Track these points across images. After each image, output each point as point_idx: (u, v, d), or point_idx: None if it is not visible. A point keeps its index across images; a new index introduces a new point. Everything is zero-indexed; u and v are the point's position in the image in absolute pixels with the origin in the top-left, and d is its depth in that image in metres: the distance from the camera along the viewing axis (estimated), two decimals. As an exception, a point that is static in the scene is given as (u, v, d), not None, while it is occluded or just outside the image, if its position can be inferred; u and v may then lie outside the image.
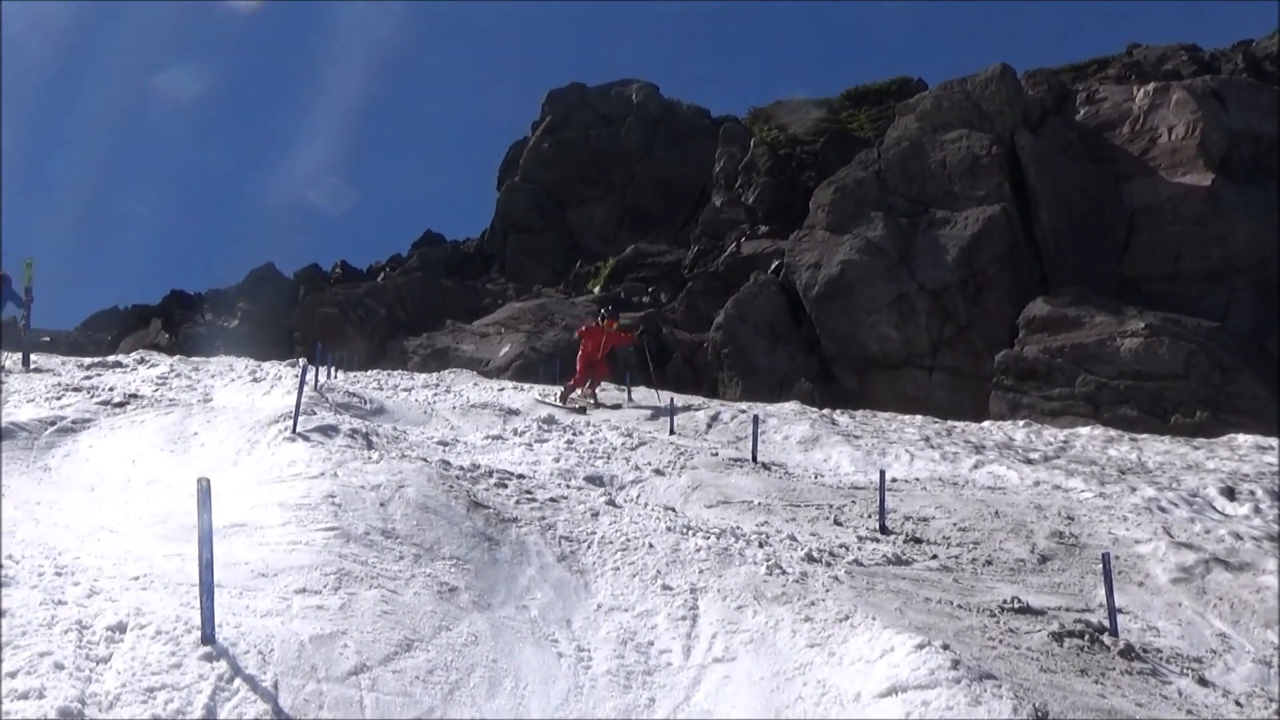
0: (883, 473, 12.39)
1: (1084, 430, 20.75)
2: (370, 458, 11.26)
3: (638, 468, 14.18)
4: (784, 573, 8.96)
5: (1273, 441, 19.66)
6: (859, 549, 10.39)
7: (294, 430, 12.77)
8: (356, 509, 8.94)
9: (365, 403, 18.21)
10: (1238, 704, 7.07)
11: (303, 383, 14.37)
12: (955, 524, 11.73)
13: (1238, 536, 11.22)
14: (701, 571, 8.89)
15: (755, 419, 16.58)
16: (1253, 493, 13.80)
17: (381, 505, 9.12)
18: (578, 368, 23.87)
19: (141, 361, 24.09)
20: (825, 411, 22.72)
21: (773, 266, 42.86)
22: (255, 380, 21.64)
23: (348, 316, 51.82)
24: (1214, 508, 13.15)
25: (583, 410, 21.83)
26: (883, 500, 11.71)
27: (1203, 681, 7.47)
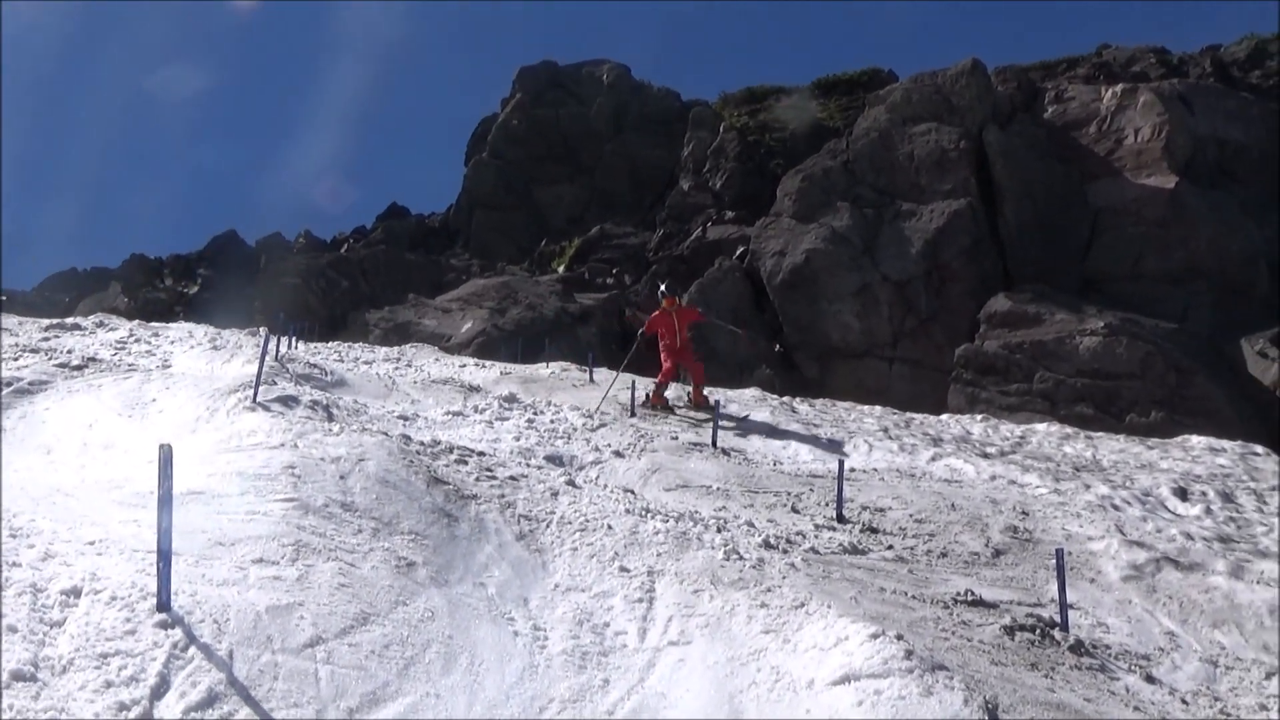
0: (841, 462, 12.45)
1: (1040, 426, 20.89)
2: (331, 430, 11.22)
3: (598, 449, 14.19)
4: (741, 558, 9.01)
5: (1226, 444, 19.85)
6: (816, 537, 10.44)
7: (254, 400, 12.69)
8: (316, 481, 8.90)
9: (326, 374, 18.13)
10: (1184, 702, 7.17)
11: (264, 352, 14.32)
12: (911, 515, 11.80)
13: (1189, 536, 11.35)
14: (659, 554, 8.92)
15: (716, 404, 16.63)
16: (1205, 494, 13.95)
17: (341, 478, 9.10)
18: (663, 364, 20.05)
19: (100, 325, 23.93)
20: (785, 399, 22.79)
21: (738, 252, 42.99)
22: (215, 348, 21.53)
23: (310, 287, 51.57)
24: (1166, 507, 13.30)
25: (671, 411, 19.27)
26: (840, 489, 11.76)
27: (1150, 679, 7.56)
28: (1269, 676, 7.74)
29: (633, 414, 18.29)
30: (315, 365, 18.95)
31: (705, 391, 20.40)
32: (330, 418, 12.80)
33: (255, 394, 12.84)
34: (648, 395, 19.52)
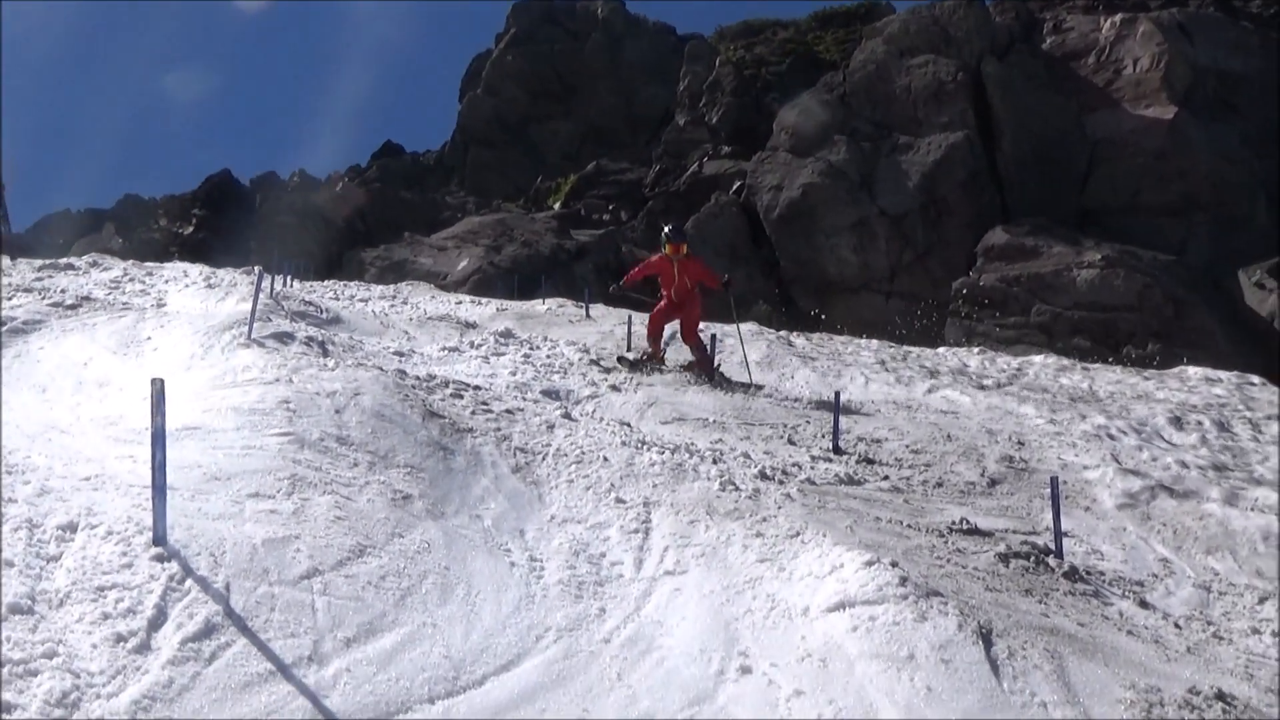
0: (838, 393, 12.45)
1: (1037, 358, 20.91)
2: (326, 365, 11.22)
3: (594, 383, 14.18)
4: (737, 489, 9.03)
5: (1222, 374, 19.88)
6: (812, 468, 10.45)
7: (249, 336, 12.68)
8: (311, 415, 8.90)
9: (321, 312, 18.11)
10: (1176, 626, 7.20)
11: (258, 289, 14.26)
12: (907, 446, 11.82)
13: (1184, 465, 11.38)
14: (655, 486, 8.94)
15: (712, 337, 16.61)
16: (1200, 423, 13.96)
17: (337, 412, 9.09)
18: (656, 314, 16.56)
19: (94, 265, 23.85)
20: (782, 333, 22.80)
21: (734, 187, 42.82)
22: (210, 287, 21.45)
23: (305, 226, 51.39)
24: (1162, 437, 13.31)
25: (659, 363, 16.22)
26: (837, 421, 11.78)
27: (1144, 604, 7.59)
28: (1262, 601, 7.77)
29: (629, 349, 18.25)
30: (310, 303, 18.92)
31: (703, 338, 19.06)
32: (325, 353, 12.78)
33: (250, 330, 12.82)
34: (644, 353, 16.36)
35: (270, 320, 14.48)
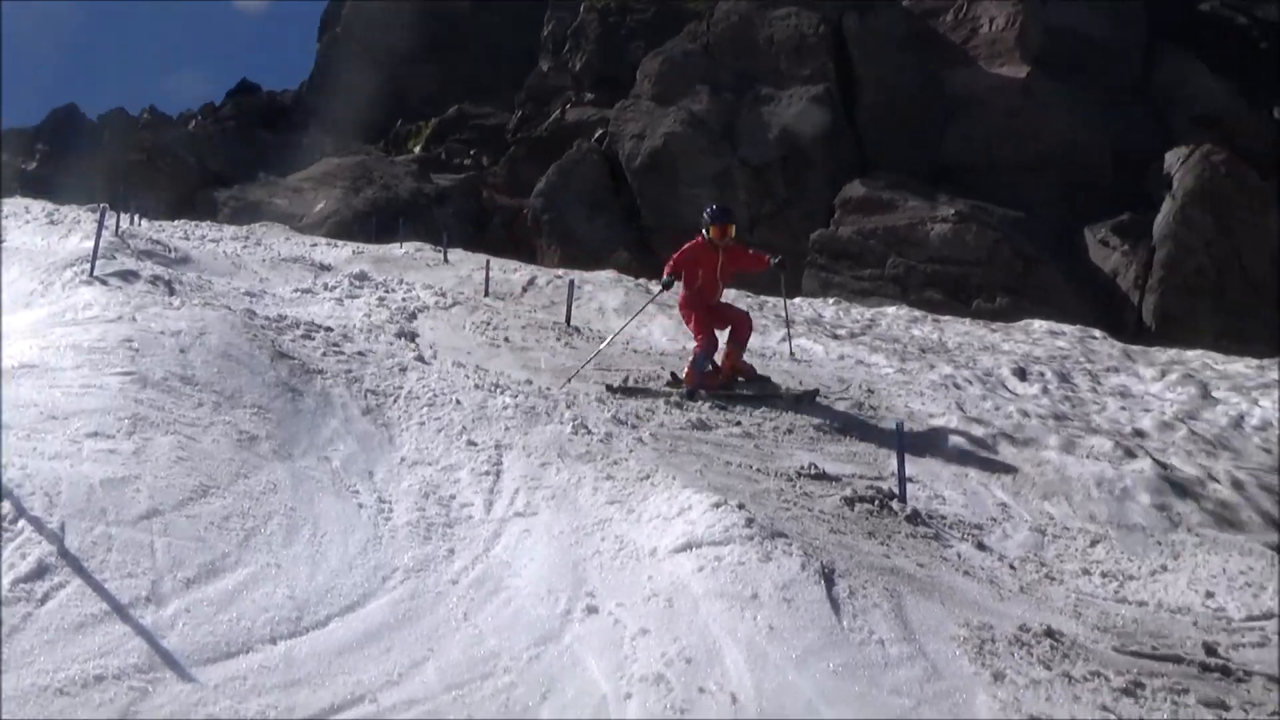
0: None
1: (890, 310, 21.33)
2: (171, 304, 10.95)
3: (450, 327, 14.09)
4: (590, 432, 9.06)
5: (1066, 328, 20.50)
6: (666, 414, 10.53)
7: (91, 273, 12.31)
8: (155, 354, 8.68)
9: (170, 251, 17.65)
10: (1011, 567, 7.43)
11: (101, 226, 13.86)
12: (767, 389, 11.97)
13: (1025, 414, 11.71)
14: (507, 429, 8.93)
15: (570, 284, 16.61)
16: (1043, 374, 14.38)
17: (181, 351, 8.88)
18: (693, 328, 12.46)
19: (-72, 199, 22.91)
20: (640, 281, 22.87)
21: (596, 135, 42.64)
22: (52, 223, 20.80)
23: (155, 164, 49.91)
24: (1006, 387, 13.68)
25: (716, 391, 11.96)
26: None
27: (981, 546, 7.81)
28: (1093, 544, 8.04)
29: (487, 293, 18.15)
30: (158, 242, 18.42)
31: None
32: (172, 292, 12.47)
33: (93, 268, 12.45)
34: (674, 375, 12.53)
35: (115, 258, 14.07)
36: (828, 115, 36.12)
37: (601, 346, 13.14)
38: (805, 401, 11.53)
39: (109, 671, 4.57)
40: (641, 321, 16.89)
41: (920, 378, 13.49)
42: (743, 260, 12.64)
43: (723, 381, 12.14)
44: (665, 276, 12.39)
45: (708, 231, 12.12)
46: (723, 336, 12.16)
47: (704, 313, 12.25)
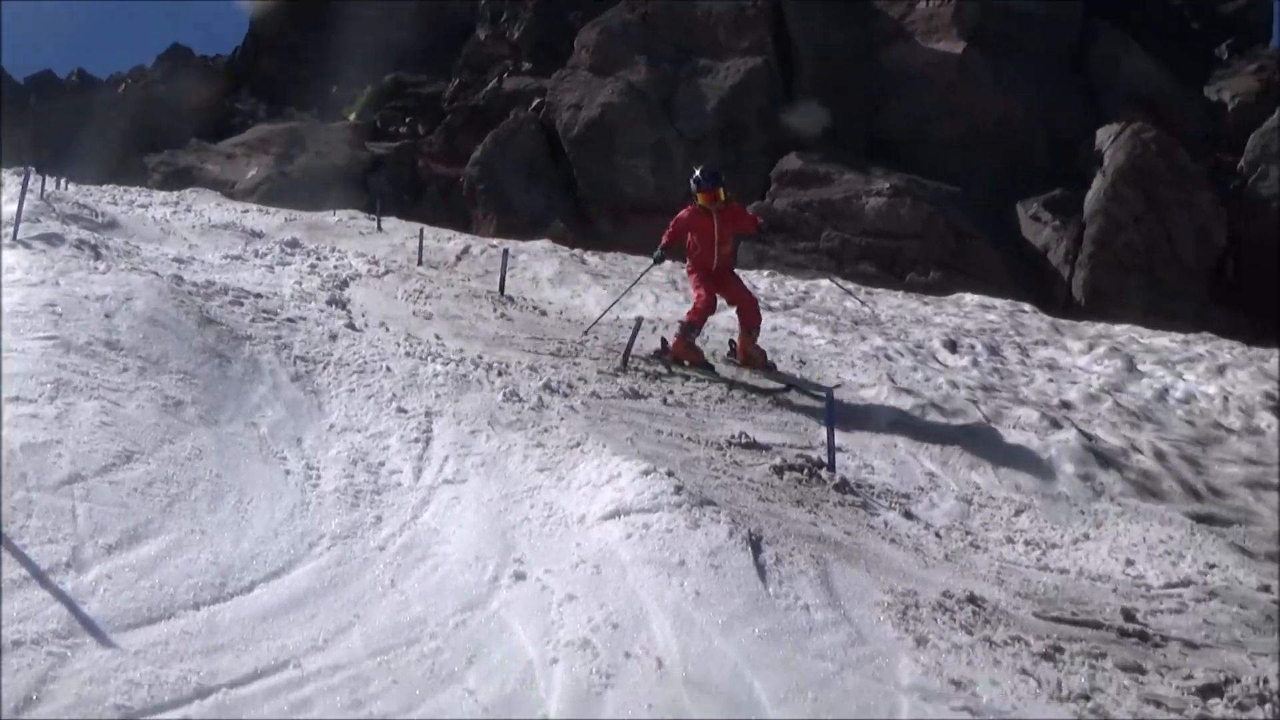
0: (639, 320, 12.53)
1: (824, 282, 21.39)
2: (97, 269, 10.78)
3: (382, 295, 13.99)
4: (521, 400, 9.04)
5: (997, 301, 20.71)
6: (598, 383, 10.53)
7: (15, 237, 12.09)
8: (79, 319, 8.54)
9: (96, 216, 17.37)
10: (937, 536, 7.52)
11: (25, 188, 13.59)
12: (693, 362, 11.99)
13: (954, 385, 11.82)
14: (438, 396, 8.89)
15: (504, 253, 16.54)
16: (973, 346, 14.53)
17: (106, 316, 8.74)
18: (694, 291, 12.25)
19: None
20: (576, 251, 22.83)
21: (533, 105, 42.43)
22: (-25, 186, 20.36)
23: (84, 128, 49.05)
24: (936, 359, 13.81)
25: (705, 367, 11.81)
26: (632, 341, 11.82)
27: (908, 515, 7.90)
28: (1018, 513, 8.15)
29: (420, 262, 18.03)
30: (85, 206, 18.13)
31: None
32: (98, 257, 12.24)
33: (15, 231, 12.23)
34: (664, 342, 12.16)
35: (39, 222, 13.83)
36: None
37: (599, 317, 13.01)
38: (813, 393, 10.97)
39: (27, 637, 4.50)
40: (575, 291, 16.87)
41: (852, 349, 13.59)
42: (741, 221, 12.27)
43: (737, 357, 12.25)
44: (657, 250, 12.20)
45: (697, 198, 11.91)
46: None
47: (706, 280, 12.00)
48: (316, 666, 4.76)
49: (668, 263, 13.39)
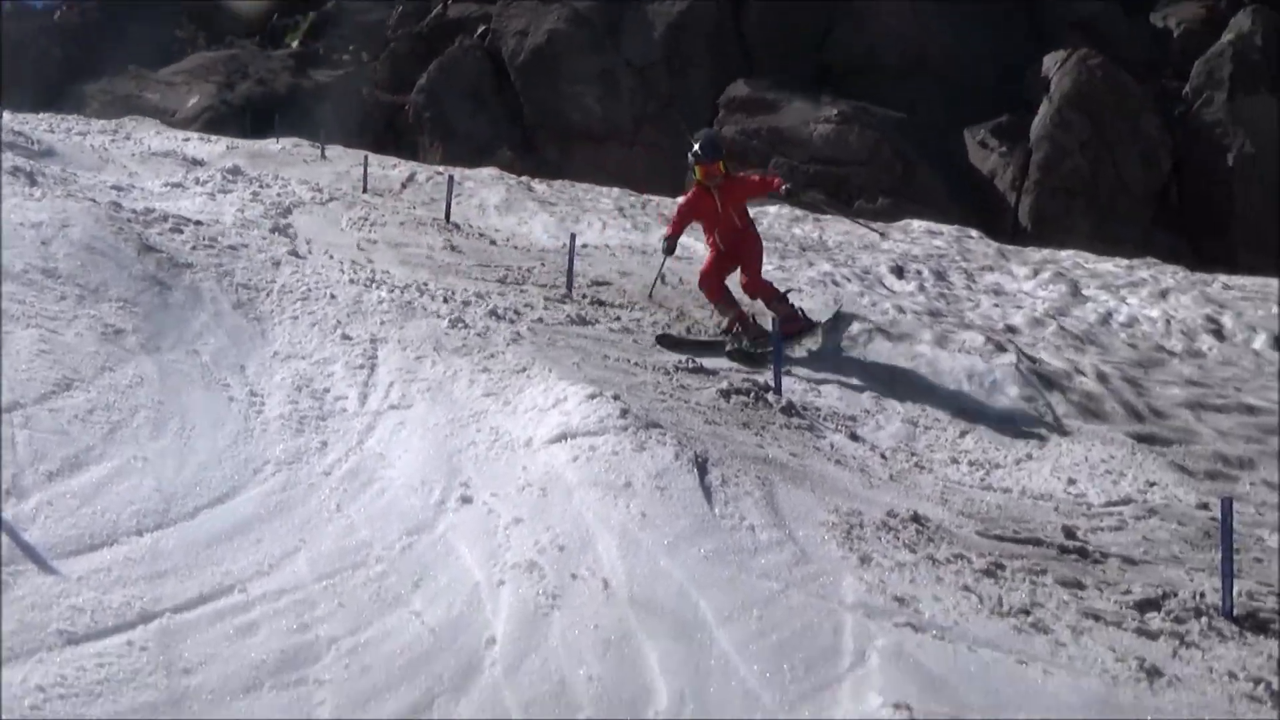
0: (573, 236, 12.48)
1: (772, 209, 21.33)
2: (32, 195, 10.56)
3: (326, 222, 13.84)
4: (466, 327, 8.99)
5: (944, 228, 20.77)
6: (544, 309, 10.49)
7: (-54, 165, 11.85)
8: (14, 246, 8.37)
9: (32, 143, 17.01)
10: (883, 457, 7.59)
11: (-42, 115, 13.29)
12: (640, 289, 11.98)
13: (900, 310, 11.89)
14: (383, 323, 8.82)
15: (450, 179, 16.40)
16: (919, 272, 14.58)
17: (43, 244, 8.58)
18: (708, 270, 10.67)
19: None
20: (523, 178, 22.67)
21: (479, 32, 41.86)
22: (-94, 114, 19.92)
23: (18, 55, 47.97)
24: (883, 284, 13.85)
25: (751, 353, 10.14)
26: (571, 264, 11.80)
27: (854, 437, 7.97)
28: (962, 434, 8.24)
29: (365, 189, 17.85)
30: (20, 134, 17.72)
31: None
32: (33, 184, 11.99)
33: (-52, 159, 11.98)
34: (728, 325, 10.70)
35: (-28, 149, 13.55)
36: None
37: (655, 279, 11.81)
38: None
39: (-35, 564, 4.48)
40: (522, 219, 16.76)
41: (799, 274, 13.60)
42: (744, 190, 10.86)
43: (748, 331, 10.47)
44: (664, 240, 10.93)
45: (693, 172, 10.60)
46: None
47: (718, 262, 10.62)
48: (262, 591, 4.76)
49: (615, 191, 13.10)
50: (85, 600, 4.41)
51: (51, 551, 4.75)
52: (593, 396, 6.72)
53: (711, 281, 10.53)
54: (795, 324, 10.24)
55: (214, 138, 26.35)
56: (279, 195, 15.21)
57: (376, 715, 3.97)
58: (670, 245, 10.81)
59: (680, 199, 10.93)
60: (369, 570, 5.01)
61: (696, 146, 10.62)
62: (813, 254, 15.78)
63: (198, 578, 4.79)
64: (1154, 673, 4.44)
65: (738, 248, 10.58)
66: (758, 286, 10.51)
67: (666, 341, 10.12)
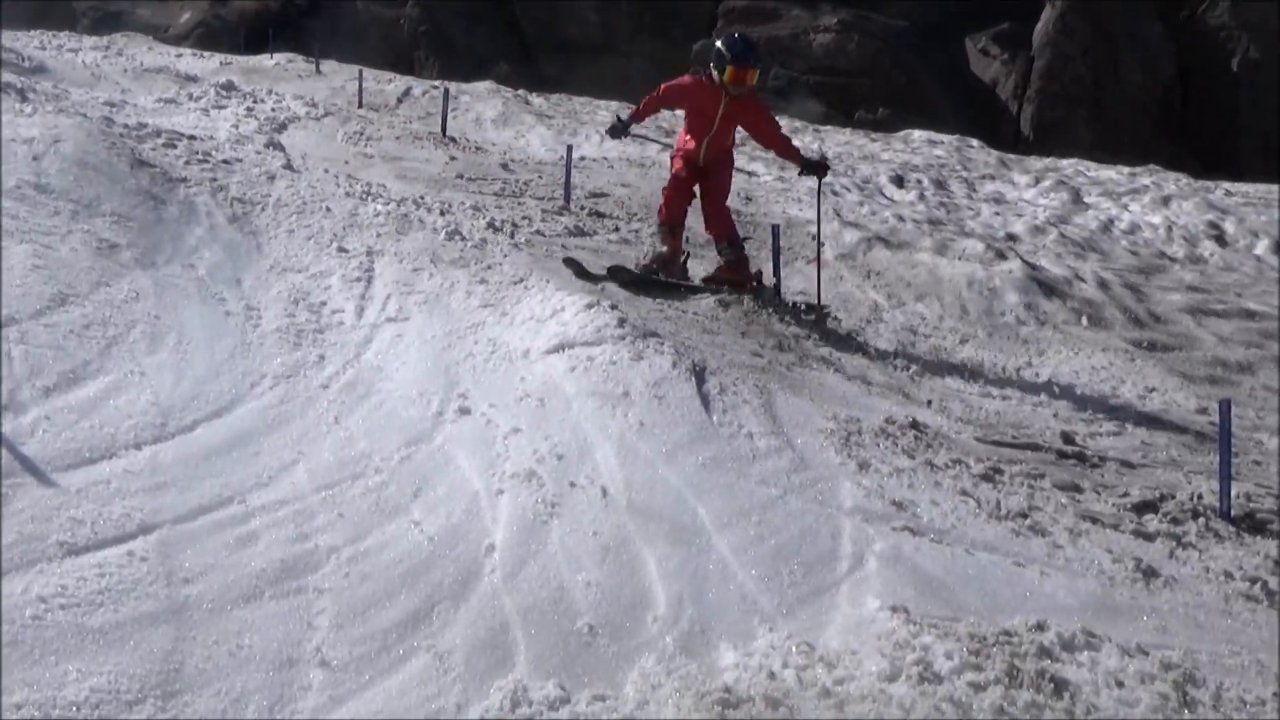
0: (570, 148, 12.39)
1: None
2: (24, 111, 10.46)
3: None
4: (464, 239, 8.95)
5: (944, 137, 20.63)
6: (541, 221, 10.43)
7: (-63, 80, 11.74)
8: (7, 162, 8.29)
9: (23, 60, 16.87)
10: (882, 364, 7.58)
11: (-54, 31, 13.14)
12: (639, 201, 11.91)
13: (900, 219, 11.84)
14: (379, 235, 8.78)
15: (446, 93, 16.24)
16: (920, 181, 14.51)
17: (35, 159, 8.50)
18: (666, 205, 8.96)
19: None
20: (520, 92, 22.46)
21: (475, -57, 41.32)
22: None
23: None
24: (883, 194, 13.79)
25: (666, 276, 8.75)
26: (568, 176, 11.73)
27: (853, 345, 7.95)
28: (962, 342, 8.24)
29: (361, 105, 17.71)
30: (11, 50, 17.55)
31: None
32: (25, 100, 11.87)
33: (-63, 76, 11.85)
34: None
35: (-39, 66, 13.42)
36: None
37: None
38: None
39: (-36, 478, 4.48)
40: (519, 132, 16.64)
41: (798, 185, 13.50)
42: (753, 118, 8.83)
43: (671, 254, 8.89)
44: (623, 116, 9.40)
45: (722, 72, 8.31)
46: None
47: (686, 175, 8.90)
48: (261, 502, 4.76)
49: (614, 104, 12.46)
50: (85, 512, 4.41)
51: (50, 465, 4.75)
52: (590, 306, 6.69)
53: (675, 200, 8.89)
54: (738, 274, 8.73)
55: (207, 54, 26.11)
56: (273, 110, 15.09)
57: (376, 622, 3.98)
58: (624, 127, 9.16)
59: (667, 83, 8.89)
60: (368, 481, 5.01)
61: (735, 38, 8.78)
62: (812, 164, 15.67)
63: (197, 490, 4.79)
64: (1150, 573, 4.46)
65: (713, 171, 8.94)
66: (725, 222, 8.93)
67: (619, 274, 8.54)
